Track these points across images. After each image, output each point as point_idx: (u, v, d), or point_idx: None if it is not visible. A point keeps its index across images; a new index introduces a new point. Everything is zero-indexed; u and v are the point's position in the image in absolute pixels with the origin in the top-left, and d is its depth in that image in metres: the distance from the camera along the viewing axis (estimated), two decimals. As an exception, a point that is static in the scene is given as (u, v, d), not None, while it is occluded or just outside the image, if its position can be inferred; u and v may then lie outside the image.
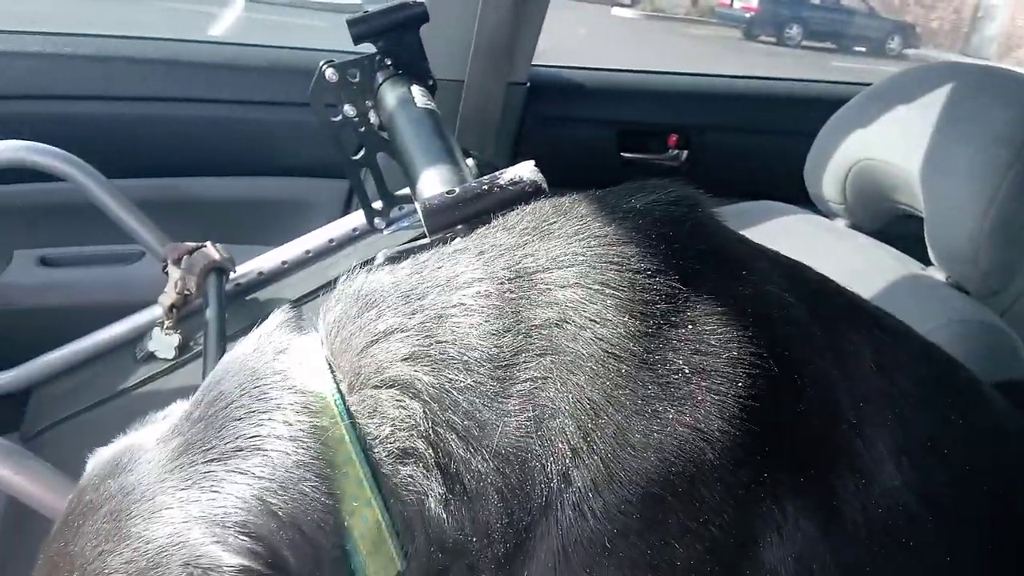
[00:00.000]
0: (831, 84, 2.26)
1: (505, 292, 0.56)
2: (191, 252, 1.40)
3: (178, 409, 0.59)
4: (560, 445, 0.53)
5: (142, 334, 1.45)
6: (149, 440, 0.56)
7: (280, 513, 0.50)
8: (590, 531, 0.53)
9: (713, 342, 0.55)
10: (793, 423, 0.58)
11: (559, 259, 0.57)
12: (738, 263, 0.62)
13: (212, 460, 0.51)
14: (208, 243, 1.41)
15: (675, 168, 1.97)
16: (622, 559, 0.53)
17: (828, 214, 1.39)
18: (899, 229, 1.29)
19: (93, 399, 1.37)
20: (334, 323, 0.58)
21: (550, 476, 0.53)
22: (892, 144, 1.20)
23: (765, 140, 2.01)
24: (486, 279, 0.57)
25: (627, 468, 0.52)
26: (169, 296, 1.39)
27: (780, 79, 2.32)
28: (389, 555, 0.53)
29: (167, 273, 1.41)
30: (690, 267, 0.58)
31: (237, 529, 0.49)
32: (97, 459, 0.58)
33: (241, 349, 0.59)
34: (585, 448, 0.53)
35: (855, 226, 1.35)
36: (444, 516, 0.53)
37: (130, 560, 0.48)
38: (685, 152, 1.98)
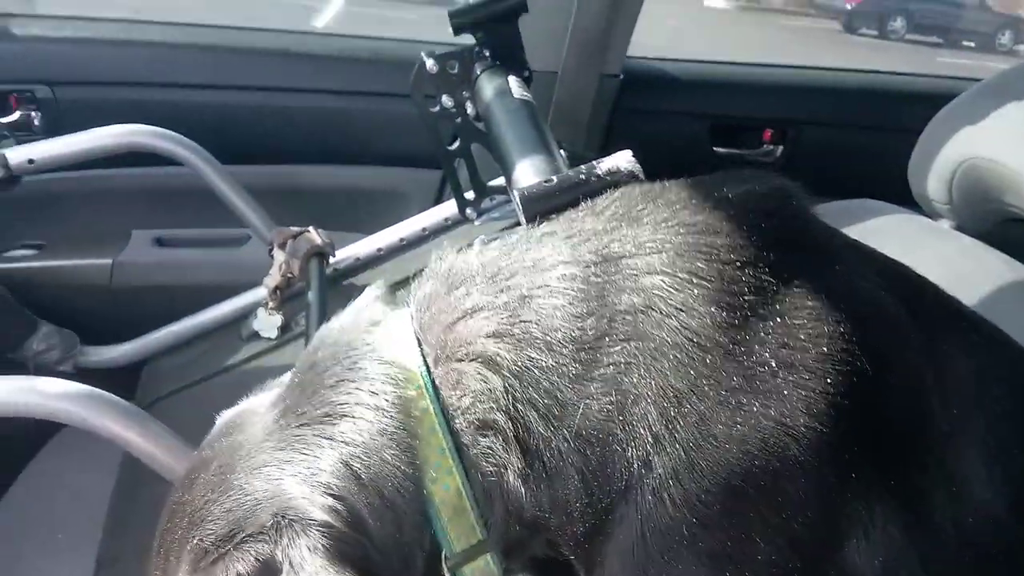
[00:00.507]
0: (937, 79, 2.16)
1: (590, 276, 0.57)
2: (295, 236, 1.47)
3: (288, 376, 0.63)
4: (642, 431, 0.54)
5: (247, 314, 1.53)
6: (261, 404, 0.61)
7: (363, 477, 0.53)
8: (669, 518, 0.53)
9: (802, 336, 0.55)
10: (883, 425, 0.57)
11: (647, 245, 0.58)
12: (832, 258, 0.61)
13: (303, 424, 0.56)
14: (311, 228, 1.47)
15: (769, 164, 1.93)
16: (701, 549, 0.54)
17: (932, 215, 1.34)
18: (1008, 232, 1.24)
19: (201, 374, 1.46)
20: (424, 299, 0.61)
21: (631, 461, 0.54)
22: (1003, 143, 1.15)
23: (866, 136, 1.95)
24: (572, 263, 0.58)
25: (708, 459, 0.53)
26: (273, 278, 1.47)
27: (883, 72, 2.24)
28: (470, 523, 0.55)
29: (272, 256, 1.48)
30: (781, 260, 0.58)
31: (323, 489, 0.53)
32: (220, 420, 0.63)
33: (337, 322, 0.63)
34: (667, 436, 0.53)
35: (960, 228, 1.30)
36: (523, 491, 0.55)
37: (230, 509, 0.53)
38: (780, 148, 1.94)
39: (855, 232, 1.07)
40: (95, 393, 0.87)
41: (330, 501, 0.52)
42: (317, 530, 0.51)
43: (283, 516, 0.51)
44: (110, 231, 1.72)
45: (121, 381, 1.55)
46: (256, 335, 1.47)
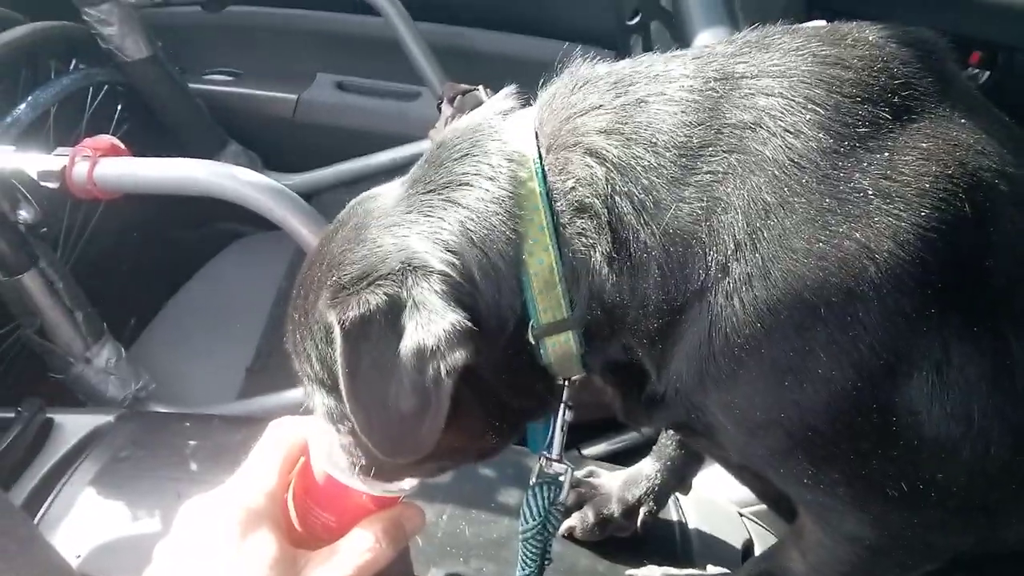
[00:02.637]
0: None
1: (708, 90, 0.58)
2: (464, 93, 1.52)
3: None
4: (725, 238, 0.55)
5: (411, 163, 1.61)
6: (395, 183, 0.69)
7: (475, 238, 0.59)
8: (736, 322, 0.55)
9: (906, 171, 0.54)
10: (976, 270, 0.56)
11: (770, 69, 0.58)
12: (961, 111, 0.58)
13: (430, 191, 0.62)
14: (480, 87, 1.51)
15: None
16: (763, 356, 0.55)
17: None
18: None
19: (362, 212, 1.57)
20: (549, 97, 0.65)
21: (709, 264, 0.56)
22: None
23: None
24: (693, 77, 0.59)
25: (784, 269, 0.53)
26: (439, 131, 1.53)
27: None
28: (557, 299, 0.60)
29: (440, 110, 1.54)
30: (905, 104, 0.56)
31: (443, 245, 0.59)
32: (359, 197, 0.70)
33: (472, 114, 0.69)
34: (748, 244, 0.54)
35: None
36: (607, 272, 0.58)
37: (364, 256, 0.60)
38: (987, 73, 1.77)
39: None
40: (285, 191, 0.97)
41: (448, 256, 0.59)
42: (438, 276, 0.58)
43: (409, 264, 0.58)
44: (298, 69, 1.83)
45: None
46: (416, 183, 1.55)
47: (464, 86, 1.53)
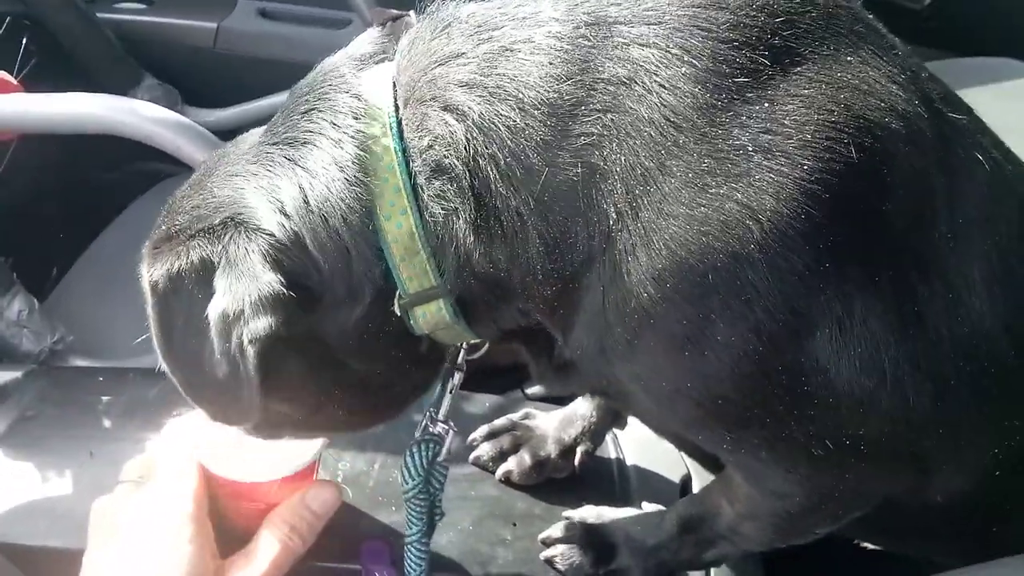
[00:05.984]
0: None
1: (578, 38, 0.53)
2: (395, 19, 1.44)
3: None
4: (606, 207, 0.52)
5: (341, 96, 1.54)
6: (262, 127, 0.63)
7: (311, 202, 0.55)
8: (627, 292, 0.53)
9: (787, 123, 0.51)
10: (872, 218, 0.54)
11: (645, 14, 0.53)
12: (847, 47, 0.55)
13: (274, 144, 0.58)
14: (411, 12, 1.43)
15: (915, 11, 1.74)
16: (657, 327, 0.53)
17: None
18: None
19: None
20: (409, 42, 0.59)
21: (593, 235, 0.53)
22: None
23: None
24: (563, 20, 0.54)
25: (666, 237, 0.51)
26: (369, 60, 1.45)
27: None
28: (422, 266, 0.55)
29: (370, 38, 1.46)
30: (786, 45, 0.53)
31: (277, 205, 0.55)
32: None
33: (327, 59, 0.63)
34: (630, 213, 0.52)
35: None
36: (474, 241, 0.55)
37: (196, 205, 0.58)
38: (928, -1, 1.74)
39: (989, 91, 0.97)
40: (193, 126, 0.90)
41: (279, 217, 0.55)
42: (261, 236, 0.54)
43: (232, 219, 0.55)
44: (217, -5, 1.72)
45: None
46: (347, 115, 1.47)
47: (395, 12, 1.45)
